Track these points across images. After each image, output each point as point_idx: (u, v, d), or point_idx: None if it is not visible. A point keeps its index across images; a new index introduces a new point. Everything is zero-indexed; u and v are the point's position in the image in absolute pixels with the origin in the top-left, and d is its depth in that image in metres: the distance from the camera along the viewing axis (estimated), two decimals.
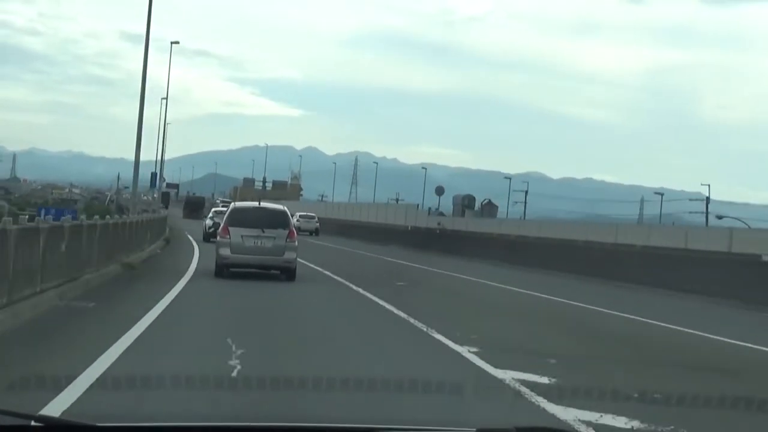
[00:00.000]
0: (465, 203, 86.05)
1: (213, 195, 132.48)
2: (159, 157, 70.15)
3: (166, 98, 65.93)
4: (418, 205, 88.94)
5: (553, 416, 8.96)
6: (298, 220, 28.46)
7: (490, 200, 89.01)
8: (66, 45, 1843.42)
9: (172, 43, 61.25)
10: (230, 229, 24.15)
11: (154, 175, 70.18)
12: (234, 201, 52.80)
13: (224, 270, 24.01)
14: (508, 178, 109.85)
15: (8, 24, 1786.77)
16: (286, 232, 24.24)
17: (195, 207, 74.44)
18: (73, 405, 8.06)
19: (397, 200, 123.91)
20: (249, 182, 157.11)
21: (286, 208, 26.37)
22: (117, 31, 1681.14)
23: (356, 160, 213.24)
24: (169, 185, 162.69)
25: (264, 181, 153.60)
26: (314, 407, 8.80)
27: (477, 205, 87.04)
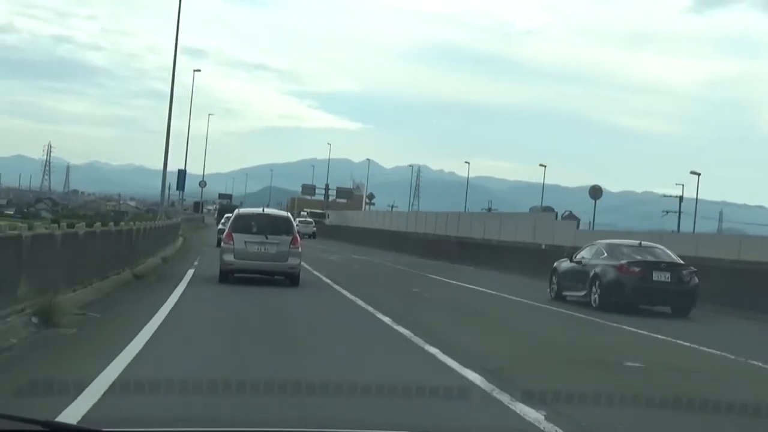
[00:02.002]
0: None
1: (267, 206, 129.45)
2: (186, 162, 68.02)
3: (169, 90, 63.03)
4: (556, 214, 74.65)
5: None
6: (297, 225, 28.53)
7: (571, 212, 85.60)
8: (127, 60, 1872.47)
9: None
10: (234, 235, 24.46)
11: (181, 173, 67.97)
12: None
13: (228, 276, 24.25)
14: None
15: (72, 39, 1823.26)
16: (290, 238, 24.49)
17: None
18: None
19: (489, 209, 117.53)
20: (308, 189, 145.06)
21: (289, 215, 26.74)
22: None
23: (418, 171, 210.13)
24: (222, 196, 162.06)
25: (327, 189, 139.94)
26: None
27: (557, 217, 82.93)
